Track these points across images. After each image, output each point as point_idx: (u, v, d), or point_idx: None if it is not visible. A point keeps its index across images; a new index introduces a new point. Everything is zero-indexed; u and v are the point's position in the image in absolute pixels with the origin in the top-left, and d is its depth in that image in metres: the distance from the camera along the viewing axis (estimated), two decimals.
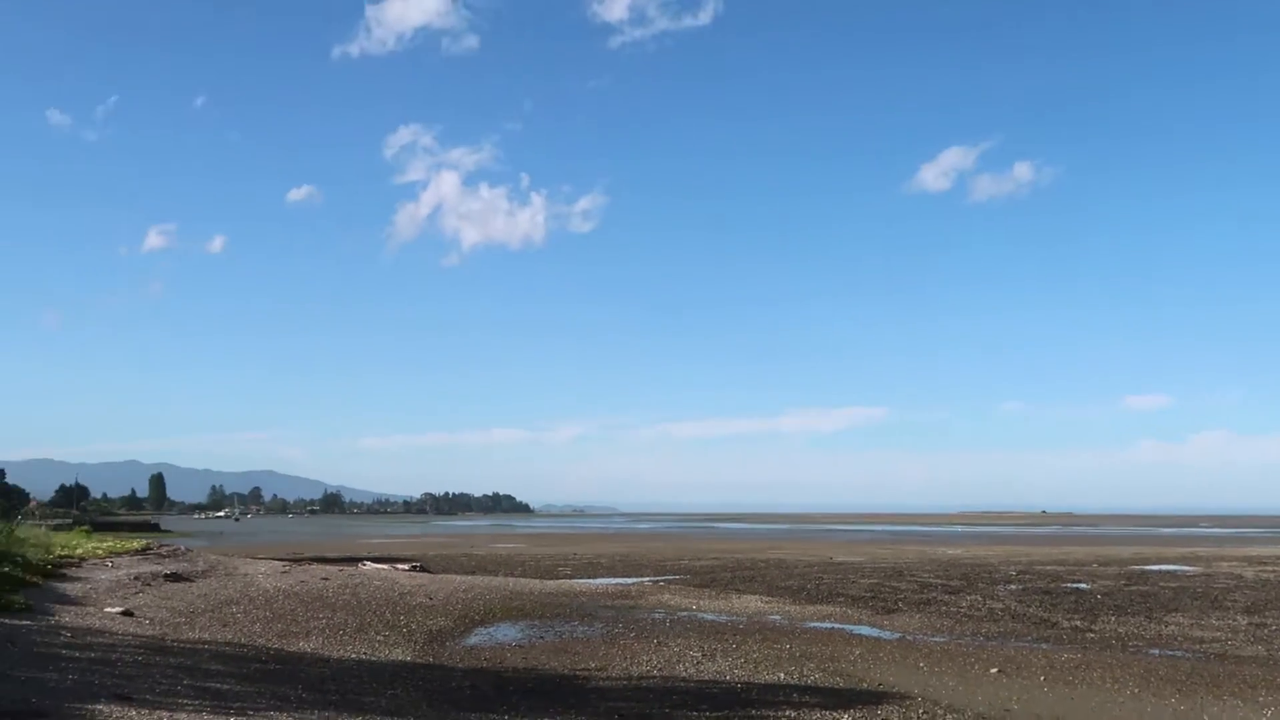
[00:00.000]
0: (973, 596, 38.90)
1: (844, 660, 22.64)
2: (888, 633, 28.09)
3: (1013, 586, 43.60)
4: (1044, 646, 25.46)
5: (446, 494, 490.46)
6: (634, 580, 47.63)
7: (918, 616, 32.13)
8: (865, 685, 19.51)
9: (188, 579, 33.38)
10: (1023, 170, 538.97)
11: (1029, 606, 35.30)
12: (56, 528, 68.69)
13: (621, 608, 32.99)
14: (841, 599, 37.58)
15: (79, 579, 29.04)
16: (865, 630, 28.57)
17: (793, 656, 22.92)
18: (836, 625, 29.64)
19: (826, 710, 16.69)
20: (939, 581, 46.15)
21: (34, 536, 38.36)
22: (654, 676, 20.02)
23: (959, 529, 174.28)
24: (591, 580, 47.37)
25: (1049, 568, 57.01)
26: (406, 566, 50.15)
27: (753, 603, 35.76)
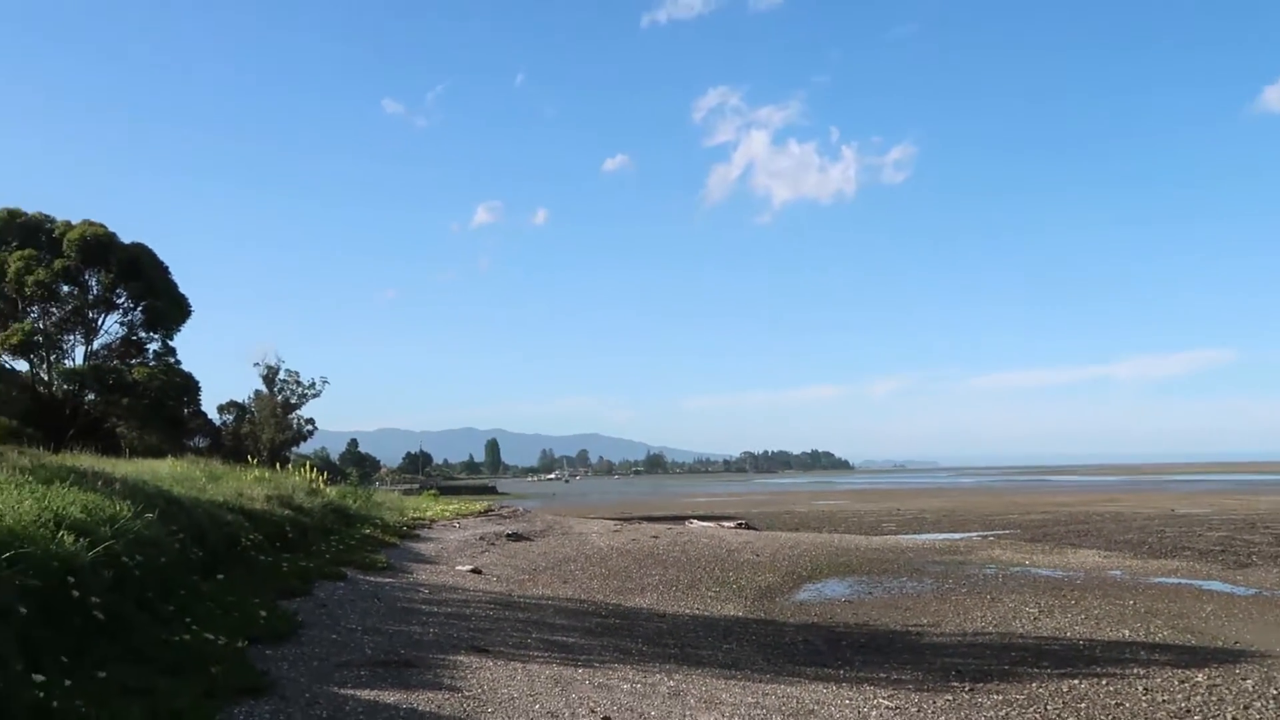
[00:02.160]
0: None
1: (1194, 617, 21.46)
2: (1241, 588, 26.35)
3: None
4: None
5: (765, 452, 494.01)
6: (961, 535, 46.65)
7: (1276, 571, 29.97)
8: (1219, 643, 18.44)
9: (527, 538, 35.09)
10: None
11: None
12: (406, 492, 73.54)
13: (950, 563, 32.40)
14: (1187, 553, 35.51)
15: (430, 539, 31.01)
16: (1216, 585, 26.91)
17: (1137, 613, 21.91)
18: (1183, 580, 28.05)
19: (1178, 669, 15.88)
20: None
21: (388, 500, 41.27)
22: (989, 632, 19.61)
23: None
24: (917, 536, 46.71)
25: None
26: (732, 524, 50.88)
27: (1089, 557, 34.33)
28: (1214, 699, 14.03)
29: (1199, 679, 15.17)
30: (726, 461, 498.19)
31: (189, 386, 56.98)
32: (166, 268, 57.48)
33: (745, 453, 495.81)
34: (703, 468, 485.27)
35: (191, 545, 15.55)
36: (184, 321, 58.25)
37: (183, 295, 57.99)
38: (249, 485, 25.76)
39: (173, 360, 57.22)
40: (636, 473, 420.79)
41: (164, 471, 24.63)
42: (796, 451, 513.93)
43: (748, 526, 50.38)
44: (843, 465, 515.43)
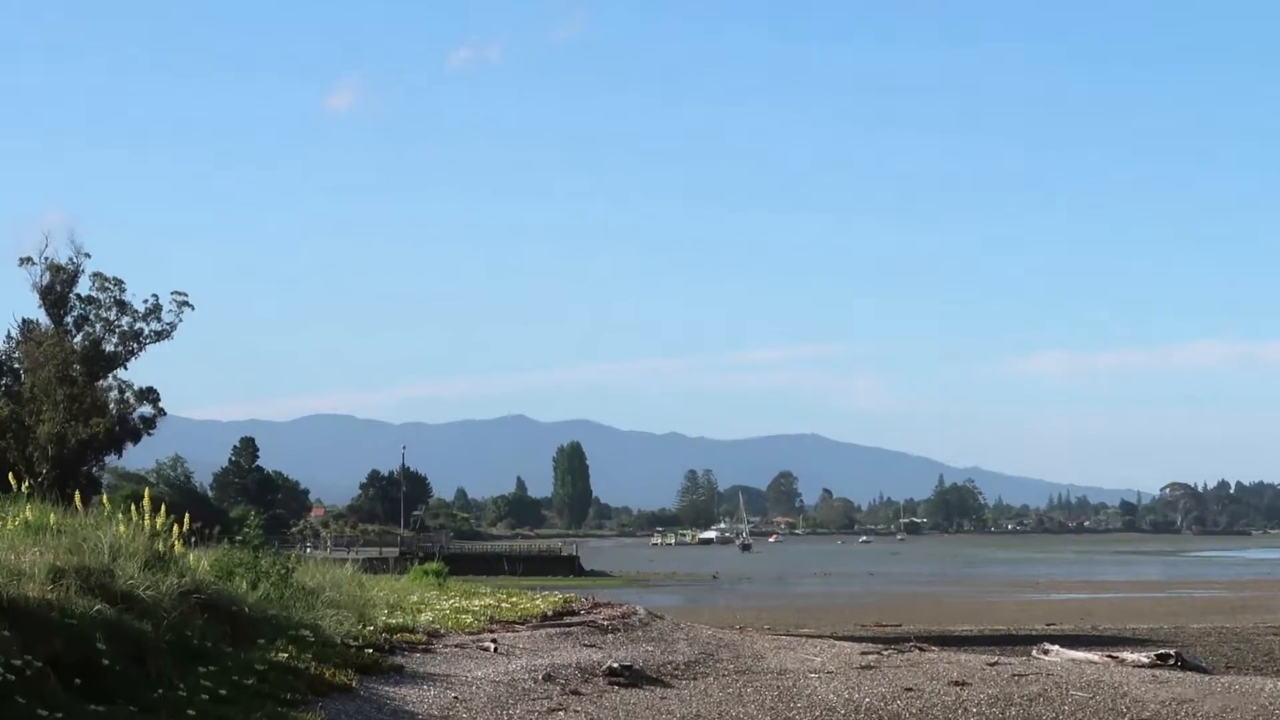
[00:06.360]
0: None
1: None
2: None
3: None
4: None
5: (1220, 485, 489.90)
6: None
7: None
8: None
9: (656, 680, 35.06)
10: None
11: None
12: (369, 564, 74.68)
13: None
14: None
15: (429, 676, 31.18)
16: None
17: None
18: None
19: None
20: None
21: (332, 582, 41.50)
22: None
23: None
24: None
25: None
26: (1143, 658, 50.48)
27: None
28: None
29: None
30: (1127, 505, 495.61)
31: None
32: None
33: (1173, 486, 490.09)
34: (1069, 519, 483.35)
35: None
36: None
37: None
38: (13, 544, 26.14)
39: None
40: (911, 526, 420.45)
41: None
42: None
43: (1181, 664, 49.99)
44: None
